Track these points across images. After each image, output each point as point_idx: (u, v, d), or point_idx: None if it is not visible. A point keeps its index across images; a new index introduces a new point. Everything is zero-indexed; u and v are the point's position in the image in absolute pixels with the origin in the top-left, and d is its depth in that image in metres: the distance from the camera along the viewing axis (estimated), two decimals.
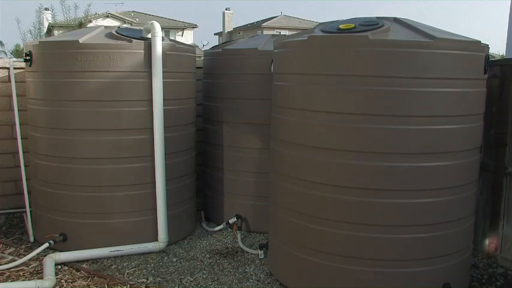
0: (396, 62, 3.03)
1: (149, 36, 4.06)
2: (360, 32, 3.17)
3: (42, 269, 3.75)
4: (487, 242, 4.24)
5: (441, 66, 3.07)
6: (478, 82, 3.31)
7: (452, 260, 3.35)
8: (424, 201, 3.16)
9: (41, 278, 3.61)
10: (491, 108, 3.81)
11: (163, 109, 4.08)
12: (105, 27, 4.47)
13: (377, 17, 3.46)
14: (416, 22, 3.47)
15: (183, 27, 42.30)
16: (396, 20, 3.45)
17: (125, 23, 31.16)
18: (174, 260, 4.13)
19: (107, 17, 33.15)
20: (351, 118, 3.13)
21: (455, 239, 3.35)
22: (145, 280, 3.75)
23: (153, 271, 3.90)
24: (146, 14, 40.24)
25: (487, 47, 3.36)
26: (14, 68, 4.42)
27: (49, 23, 22.03)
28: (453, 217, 3.29)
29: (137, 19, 35.90)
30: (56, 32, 20.95)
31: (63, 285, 3.62)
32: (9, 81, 4.47)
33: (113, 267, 3.96)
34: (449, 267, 3.34)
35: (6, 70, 4.99)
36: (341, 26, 3.31)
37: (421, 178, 3.16)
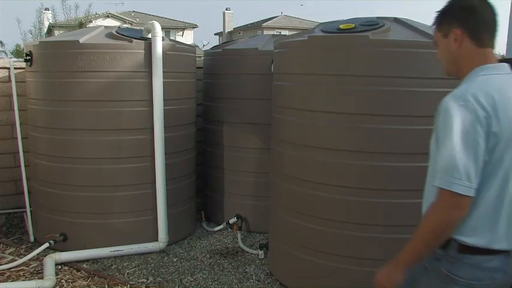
0: (396, 62, 3.03)
1: (149, 36, 4.06)
2: (360, 32, 3.18)
3: (42, 269, 3.75)
4: None
5: (441, 66, 3.07)
6: None
7: None
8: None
9: (42, 278, 3.61)
10: None
11: (164, 109, 4.09)
12: (106, 27, 4.47)
13: (377, 17, 3.46)
14: (417, 22, 3.47)
15: (183, 27, 42.24)
16: (396, 20, 3.45)
17: (125, 23, 31.12)
18: (175, 260, 4.13)
19: (107, 17, 33.10)
20: (351, 118, 3.13)
21: None
22: (145, 280, 3.75)
23: (153, 271, 3.90)
24: (146, 14, 40.17)
25: None
26: (15, 68, 4.43)
27: (49, 23, 22.01)
28: None
29: (137, 19, 35.84)
30: (56, 32, 20.92)
31: (63, 285, 3.63)
32: (10, 81, 4.47)
33: (113, 267, 3.96)
34: None
35: (7, 70, 4.99)
36: (341, 26, 3.32)
37: (422, 178, 3.15)
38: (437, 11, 1.84)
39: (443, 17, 1.82)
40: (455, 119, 1.61)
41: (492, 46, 1.78)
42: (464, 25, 1.75)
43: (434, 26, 1.86)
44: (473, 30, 1.75)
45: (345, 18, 3.61)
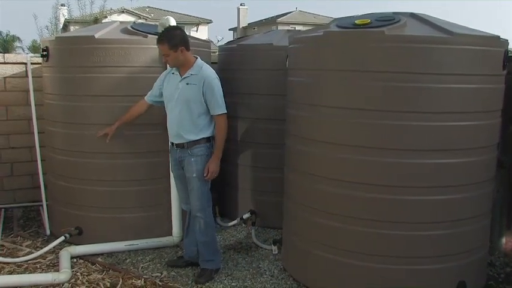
0: (413, 57, 3.00)
1: None
2: (376, 27, 3.14)
3: (58, 262, 3.80)
4: (503, 240, 4.18)
5: (458, 62, 3.03)
6: (497, 78, 3.26)
7: (468, 258, 3.32)
8: (439, 198, 3.13)
9: (57, 270, 3.66)
10: (509, 104, 3.74)
11: None
12: (121, 22, 4.49)
13: (393, 13, 3.42)
14: (434, 17, 3.42)
15: (197, 22, 42.20)
16: (413, 15, 3.41)
17: (139, 18, 31.23)
18: None
19: (122, 12, 33.21)
20: (366, 114, 3.10)
21: (471, 236, 3.32)
22: (159, 274, 3.77)
23: (167, 265, 3.92)
24: (161, 9, 40.19)
25: (506, 42, 3.30)
26: (31, 64, 4.47)
27: (65, 19, 22.20)
28: (469, 214, 3.25)
29: (152, 14, 35.89)
30: (71, 28, 21.09)
31: (78, 278, 3.67)
32: (27, 76, 4.51)
33: (128, 261, 3.99)
34: (465, 265, 3.30)
35: (24, 65, 5.05)
36: (357, 22, 3.28)
37: (437, 175, 3.12)
38: (166, 37, 3.48)
39: (172, 41, 3.44)
40: (217, 84, 3.56)
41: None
42: (183, 44, 3.49)
43: (166, 45, 3.45)
44: (187, 45, 3.53)
45: (360, 14, 3.58)
